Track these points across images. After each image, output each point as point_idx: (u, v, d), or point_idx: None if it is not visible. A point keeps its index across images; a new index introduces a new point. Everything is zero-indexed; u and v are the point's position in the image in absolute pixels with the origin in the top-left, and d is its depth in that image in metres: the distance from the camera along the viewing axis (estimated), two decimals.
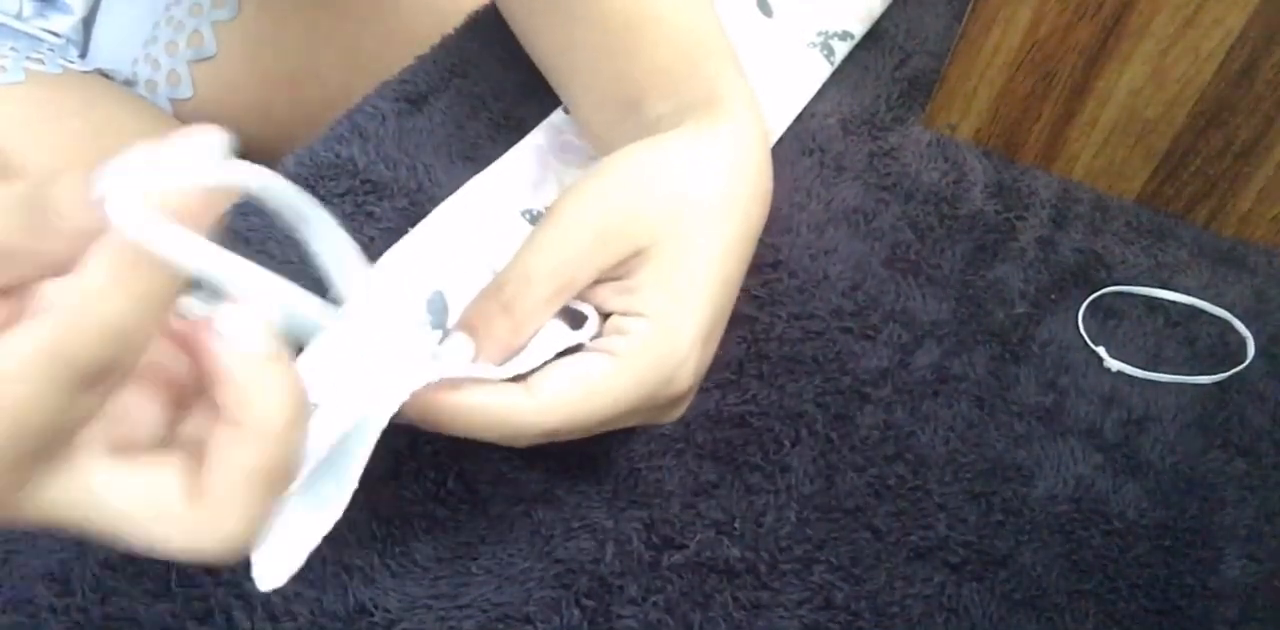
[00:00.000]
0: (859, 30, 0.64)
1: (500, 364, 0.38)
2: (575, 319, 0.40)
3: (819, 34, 0.62)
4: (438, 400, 0.35)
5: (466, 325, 0.39)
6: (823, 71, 0.61)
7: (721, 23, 0.47)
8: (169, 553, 0.27)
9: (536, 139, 0.55)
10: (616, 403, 0.37)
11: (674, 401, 0.40)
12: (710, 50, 0.46)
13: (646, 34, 0.46)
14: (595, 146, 0.52)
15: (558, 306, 0.39)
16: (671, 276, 0.39)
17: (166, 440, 0.29)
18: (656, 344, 0.38)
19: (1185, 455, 0.48)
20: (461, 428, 0.36)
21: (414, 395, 0.34)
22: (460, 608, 0.40)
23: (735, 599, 0.42)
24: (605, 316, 0.40)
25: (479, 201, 0.51)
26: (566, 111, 0.55)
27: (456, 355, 0.38)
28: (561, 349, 0.39)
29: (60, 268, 0.25)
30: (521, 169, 0.53)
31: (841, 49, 0.62)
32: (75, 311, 0.24)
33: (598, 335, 0.39)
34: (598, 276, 0.39)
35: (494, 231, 0.50)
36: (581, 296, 0.40)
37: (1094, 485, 0.47)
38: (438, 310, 0.46)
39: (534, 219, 0.51)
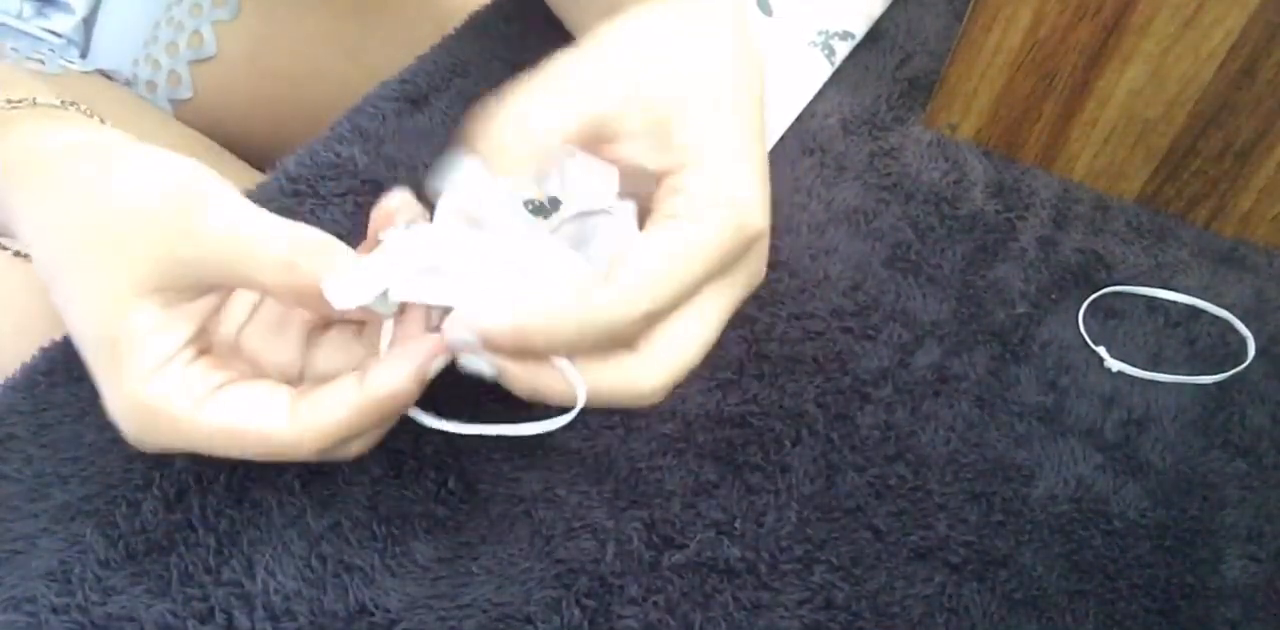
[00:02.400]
0: (860, 30, 0.64)
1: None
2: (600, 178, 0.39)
3: (820, 33, 0.62)
4: (517, 323, 0.34)
5: (482, 153, 0.36)
6: (823, 71, 0.61)
7: None
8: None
9: None
10: (706, 263, 0.35)
11: (755, 249, 0.38)
12: None
13: None
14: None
15: (543, 139, 0.36)
16: (705, 131, 0.37)
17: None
18: (716, 194, 0.36)
19: (1186, 455, 0.48)
20: (550, 337, 0.35)
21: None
22: (461, 607, 0.40)
23: (736, 599, 0.42)
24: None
25: None
26: None
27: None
28: (592, 208, 0.38)
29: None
30: None
31: (842, 49, 0.62)
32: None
33: (633, 196, 0.38)
34: (588, 123, 0.37)
35: None
36: (612, 158, 0.38)
37: (1094, 485, 0.47)
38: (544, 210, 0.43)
39: None
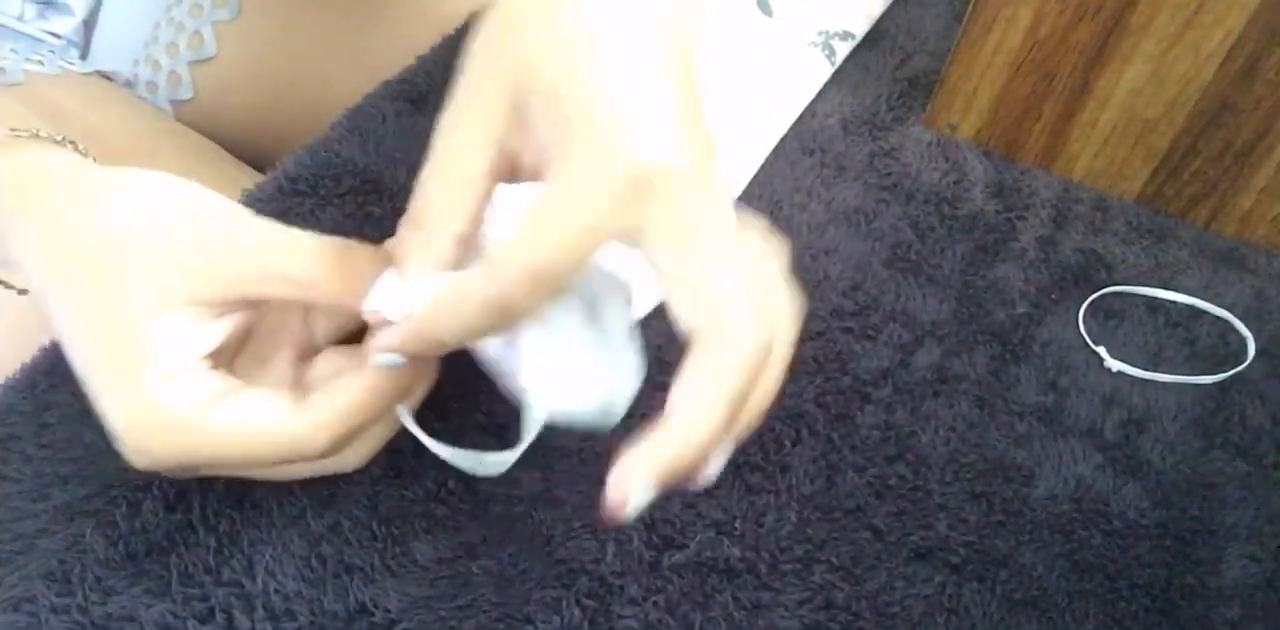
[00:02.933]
0: (860, 30, 0.63)
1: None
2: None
3: (820, 33, 0.62)
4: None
5: (393, 257, 0.37)
6: (824, 71, 0.61)
7: None
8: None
9: None
10: (582, 217, 0.33)
11: (664, 194, 0.34)
12: None
13: None
14: None
15: (471, 197, 0.36)
16: (563, 106, 0.34)
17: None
18: (600, 142, 0.33)
19: (1186, 455, 0.48)
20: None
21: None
22: (461, 608, 0.40)
23: (735, 599, 0.42)
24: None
25: None
26: None
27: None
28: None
29: None
30: None
31: (842, 49, 0.62)
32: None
33: None
34: (500, 149, 0.35)
35: None
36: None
37: (1094, 485, 0.47)
38: None
39: None
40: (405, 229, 0.36)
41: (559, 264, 0.33)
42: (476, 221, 0.36)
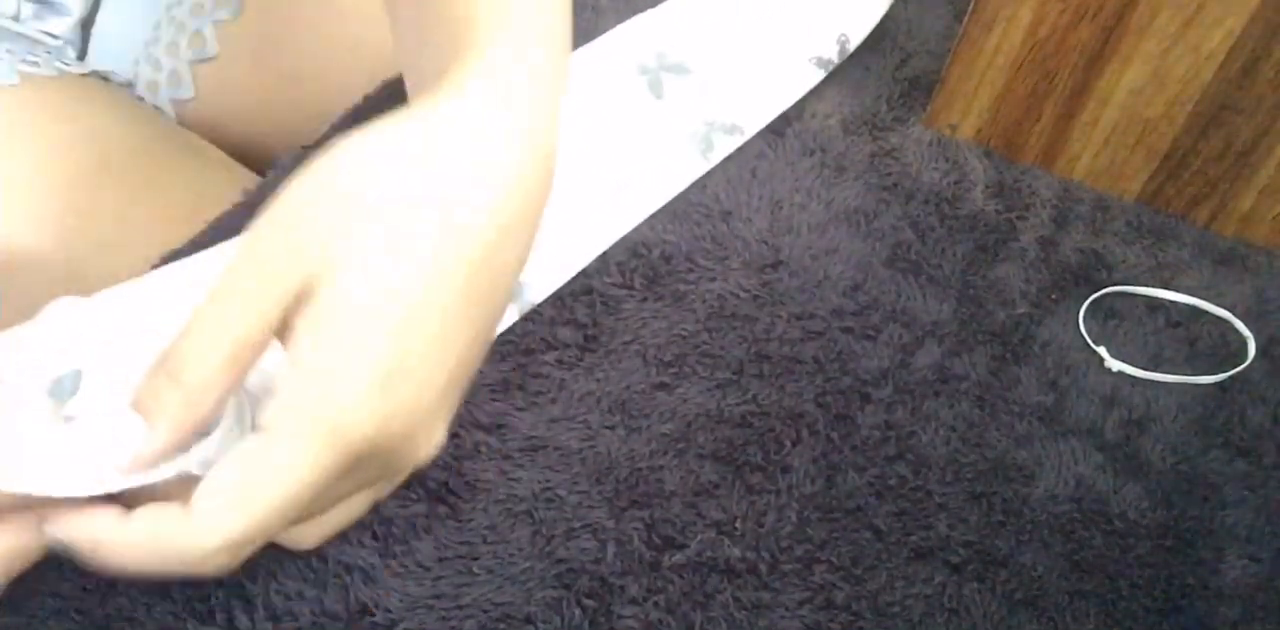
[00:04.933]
0: (750, 127, 0.59)
1: (183, 447, 0.33)
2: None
3: (706, 124, 0.57)
4: (92, 538, 0.31)
5: (136, 403, 0.33)
6: (698, 167, 0.56)
7: None
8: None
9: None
10: (284, 485, 0.31)
11: (373, 455, 0.32)
12: None
13: None
14: None
15: (239, 368, 0.32)
16: (322, 313, 0.31)
17: None
18: (303, 400, 0.31)
19: (1186, 455, 0.48)
20: (127, 567, 0.32)
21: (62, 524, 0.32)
22: (461, 607, 0.40)
23: (736, 599, 0.42)
24: None
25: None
26: None
27: (117, 441, 0.33)
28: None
29: None
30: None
31: (724, 143, 0.57)
32: None
33: None
34: (273, 327, 0.32)
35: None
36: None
37: (1095, 485, 0.47)
38: (63, 392, 0.36)
39: None
40: (160, 381, 0.32)
41: (261, 533, 0.32)
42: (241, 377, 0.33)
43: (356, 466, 0.32)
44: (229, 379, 0.32)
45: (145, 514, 0.31)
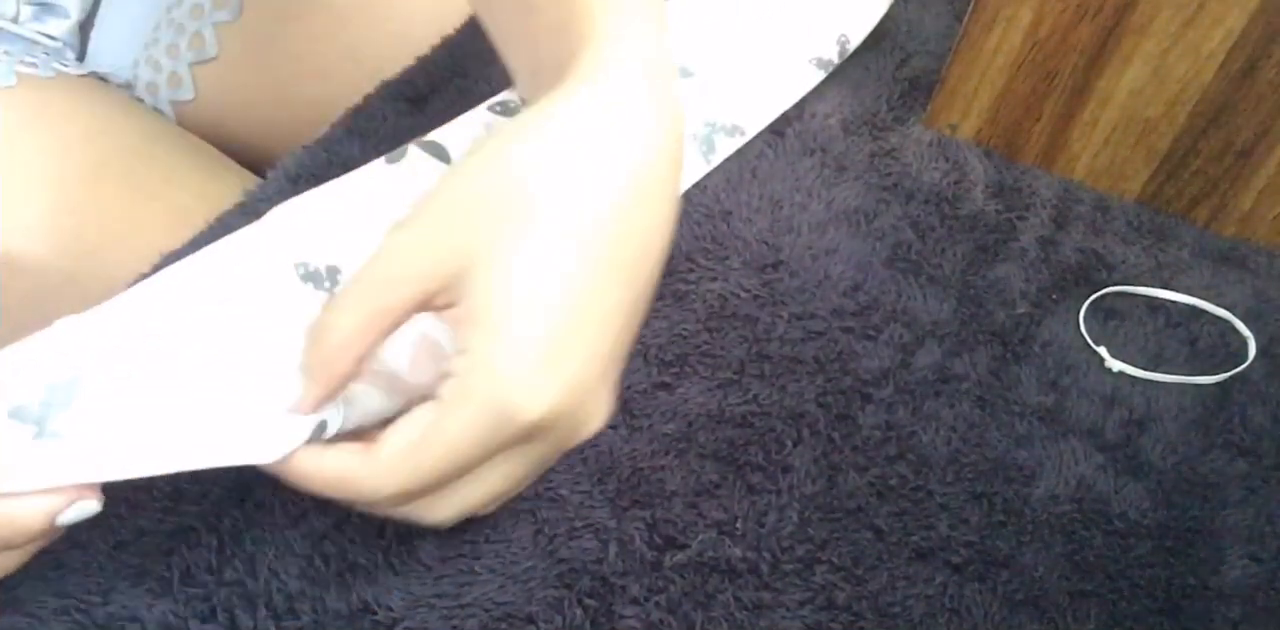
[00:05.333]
0: (752, 128, 0.58)
1: (321, 406, 0.36)
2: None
3: (706, 125, 0.57)
4: (292, 465, 0.35)
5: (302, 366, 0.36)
6: (699, 168, 0.56)
7: None
8: None
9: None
10: (452, 451, 0.34)
11: (543, 430, 0.35)
12: None
13: None
14: None
15: (374, 335, 0.35)
16: (489, 296, 0.34)
17: None
18: (475, 380, 0.34)
19: (1187, 455, 0.48)
20: (308, 488, 0.36)
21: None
22: (463, 607, 0.40)
23: (737, 599, 0.42)
24: None
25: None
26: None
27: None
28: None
29: None
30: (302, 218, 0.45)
31: (726, 145, 0.57)
32: None
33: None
34: (418, 304, 0.35)
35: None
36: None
37: (1095, 485, 0.47)
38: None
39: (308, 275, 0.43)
40: (309, 341, 0.35)
41: (425, 488, 0.35)
42: (378, 345, 0.36)
43: (526, 439, 0.35)
44: (363, 343, 0.35)
45: (339, 452, 0.35)
